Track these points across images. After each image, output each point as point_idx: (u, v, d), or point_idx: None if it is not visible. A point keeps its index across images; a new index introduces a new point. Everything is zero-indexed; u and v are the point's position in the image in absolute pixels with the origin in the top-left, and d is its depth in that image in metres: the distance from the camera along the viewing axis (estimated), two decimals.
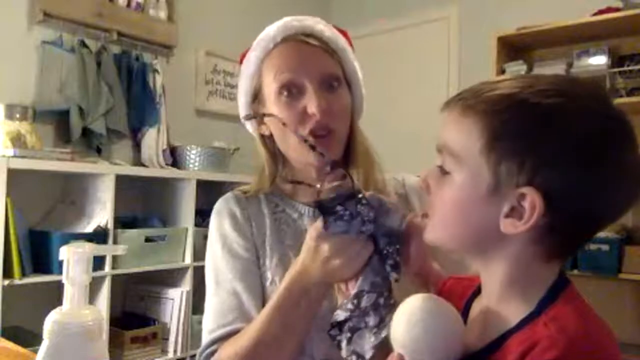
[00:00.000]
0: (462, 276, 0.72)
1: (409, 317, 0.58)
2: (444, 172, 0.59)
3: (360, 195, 0.70)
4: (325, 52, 0.93)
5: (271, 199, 1.01)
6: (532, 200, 0.52)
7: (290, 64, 0.92)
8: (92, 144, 2.63)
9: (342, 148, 0.95)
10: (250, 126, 1.03)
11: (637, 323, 2.71)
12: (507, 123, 0.52)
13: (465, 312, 0.65)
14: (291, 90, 0.91)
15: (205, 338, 0.91)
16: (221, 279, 0.95)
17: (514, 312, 0.56)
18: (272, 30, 0.94)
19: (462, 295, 0.68)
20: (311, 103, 0.89)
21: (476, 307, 0.65)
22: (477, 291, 0.66)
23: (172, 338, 2.57)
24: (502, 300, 0.58)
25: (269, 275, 0.95)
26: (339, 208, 0.69)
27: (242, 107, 1.01)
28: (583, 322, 0.52)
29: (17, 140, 2.22)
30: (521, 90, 0.53)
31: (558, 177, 0.51)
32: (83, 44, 2.60)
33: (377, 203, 0.71)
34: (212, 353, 0.88)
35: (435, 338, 0.56)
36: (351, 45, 1.00)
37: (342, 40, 0.96)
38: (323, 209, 0.70)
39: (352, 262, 0.71)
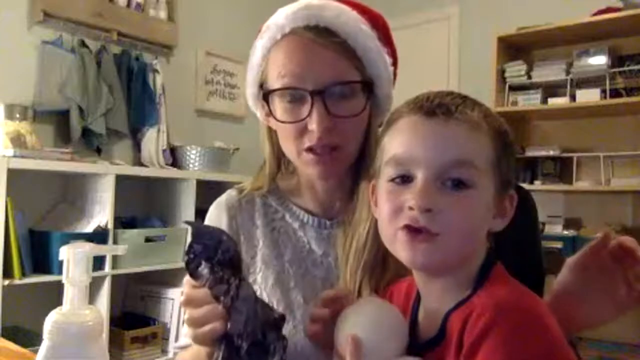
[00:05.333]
0: (400, 280, 0.72)
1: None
2: (460, 187, 0.58)
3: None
4: (339, 53, 0.79)
5: (269, 203, 0.90)
6: (512, 197, 0.64)
7: (295, 67, 0.79)
8: (92, 144, 2.63)
9: (349, 163, 0.84)
10: (258, 114, 0.91)
11: (637, 323, 2.71)
12: (507, 142, 0.63)
13: (414, 310, 0.66)
14: (294, 95, 0.79)
15: (180, 337, 0.89)
16: None
17: (453, 296, 0.60)
18: (281, 18, 0.81)
19: (407, 294, 0.68)
20: (312, 119, 0.78)
21: (422, 307, 0.66)
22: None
23: (172, 338, 2.57)
24: (444, 290, 0.62)
25: (264, 297, 0.82)
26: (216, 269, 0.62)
27: (249, 96, 0.91)
28: (513, 289, 0.58)
29: (17, 140, 2.22)
30: (493, 114, 0.64)
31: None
32: (83, 44, 2.61)
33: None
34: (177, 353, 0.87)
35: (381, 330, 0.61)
36: (386, 32, 0.88)
37: (365, 35, 0.81)
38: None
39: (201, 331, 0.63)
